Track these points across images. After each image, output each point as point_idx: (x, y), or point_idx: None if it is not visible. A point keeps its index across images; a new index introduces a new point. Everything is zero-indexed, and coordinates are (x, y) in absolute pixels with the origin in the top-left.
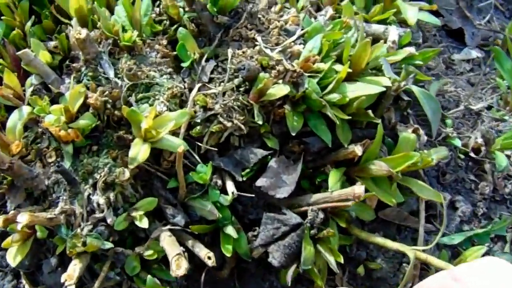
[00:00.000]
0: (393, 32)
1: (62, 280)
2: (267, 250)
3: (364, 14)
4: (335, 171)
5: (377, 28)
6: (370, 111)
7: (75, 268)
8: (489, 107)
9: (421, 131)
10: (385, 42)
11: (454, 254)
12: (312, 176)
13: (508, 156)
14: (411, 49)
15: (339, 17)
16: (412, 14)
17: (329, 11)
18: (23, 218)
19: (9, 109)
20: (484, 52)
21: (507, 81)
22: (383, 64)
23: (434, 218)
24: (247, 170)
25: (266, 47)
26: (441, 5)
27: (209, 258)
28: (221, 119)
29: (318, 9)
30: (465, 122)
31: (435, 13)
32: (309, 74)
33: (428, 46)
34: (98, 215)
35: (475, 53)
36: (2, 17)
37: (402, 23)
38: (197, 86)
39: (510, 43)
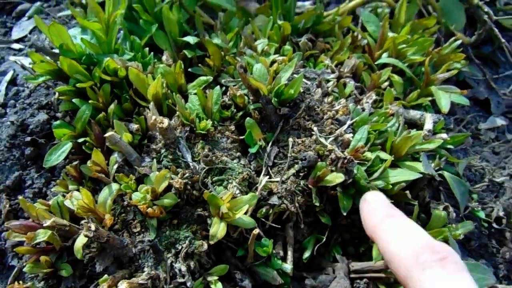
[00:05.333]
0: (429, 121)
1: None
2: None
3: (402, 100)
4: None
5: (414, 114)
6: (408, 192)
7: None
8: (511, 176)
9: (451, 209)
10: (421, 127)
11: None
12: (357, 244)
13: None
14: (444, 136)
15: (381, 100)
16: (445, 102)
17: (373, 96)
18: (123, 286)
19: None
20: (508, 120)
21: None
22: (423, 161)
23: None
24: None
25: (321, 136)
26: (468, 75)
27: None
28: (285, 202)
29: (362, 91)
30: (489, 193)
31: (463, 83)
32: (358, 162)
33: (458, 120)
34: (179, 279)
35: (500, 121)
36: (89, 101)
37: (436, 105)
38: (264, 170)
39: None
